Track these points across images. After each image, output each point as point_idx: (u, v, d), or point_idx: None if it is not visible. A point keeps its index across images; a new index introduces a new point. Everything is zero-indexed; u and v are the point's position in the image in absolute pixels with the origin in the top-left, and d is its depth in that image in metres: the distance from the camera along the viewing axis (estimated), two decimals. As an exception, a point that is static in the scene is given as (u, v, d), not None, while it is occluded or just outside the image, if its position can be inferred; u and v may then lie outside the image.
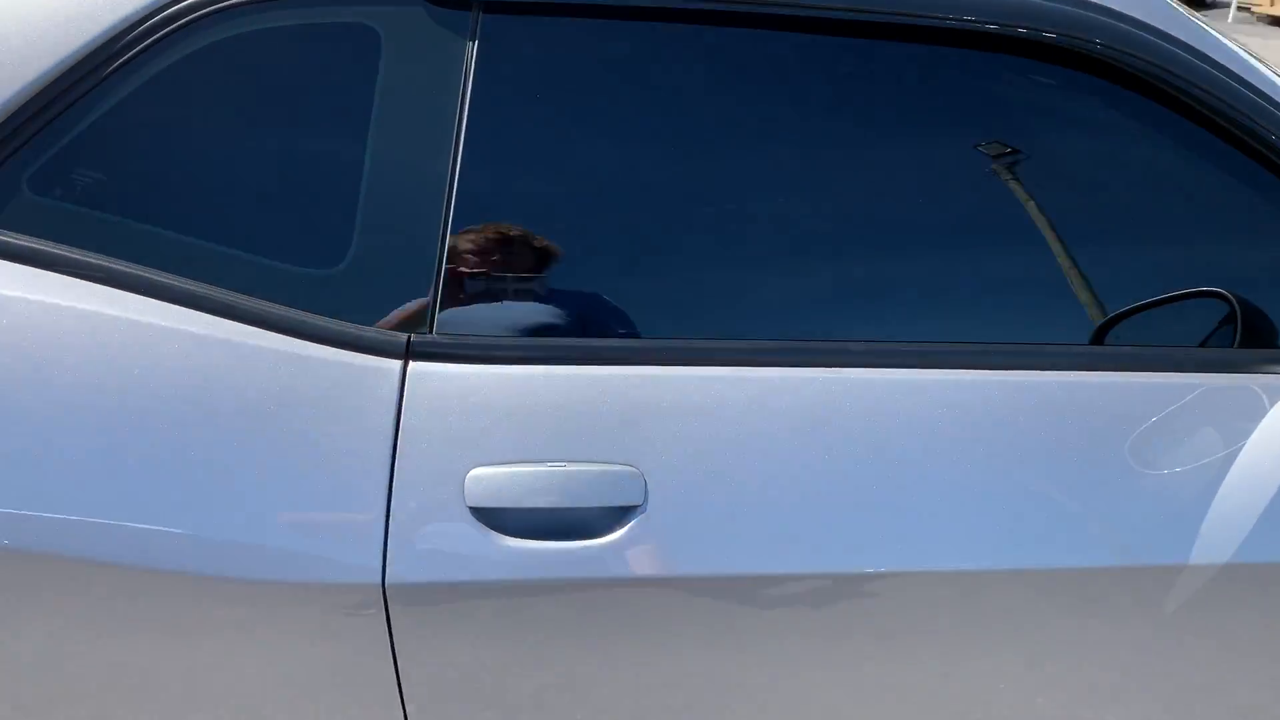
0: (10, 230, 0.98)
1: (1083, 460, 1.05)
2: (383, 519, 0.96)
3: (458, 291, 1.02)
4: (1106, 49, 1.10)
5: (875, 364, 1.05)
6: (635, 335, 1.05)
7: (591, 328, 1.05)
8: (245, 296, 0.99)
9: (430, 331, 1.01)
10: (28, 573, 0.95)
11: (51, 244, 0.98)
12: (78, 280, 0.97)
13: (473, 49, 1.04)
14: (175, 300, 0.98)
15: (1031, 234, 1.12)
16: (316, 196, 1.02)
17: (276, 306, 0.99)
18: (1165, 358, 1.10)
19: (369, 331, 1.00)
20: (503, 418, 0.99)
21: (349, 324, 1.00)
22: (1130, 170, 1.14)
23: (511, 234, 1.04)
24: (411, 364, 0.99)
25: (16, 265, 0.97)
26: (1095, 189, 1.14)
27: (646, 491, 0.99)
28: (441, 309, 1.02)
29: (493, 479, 0.97)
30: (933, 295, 1.10)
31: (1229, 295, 1.12)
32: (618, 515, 1.00)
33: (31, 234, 0.98)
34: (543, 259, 1.06)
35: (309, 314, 1.00)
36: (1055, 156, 1.13)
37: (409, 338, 1.00)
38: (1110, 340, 1.12)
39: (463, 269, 1.02)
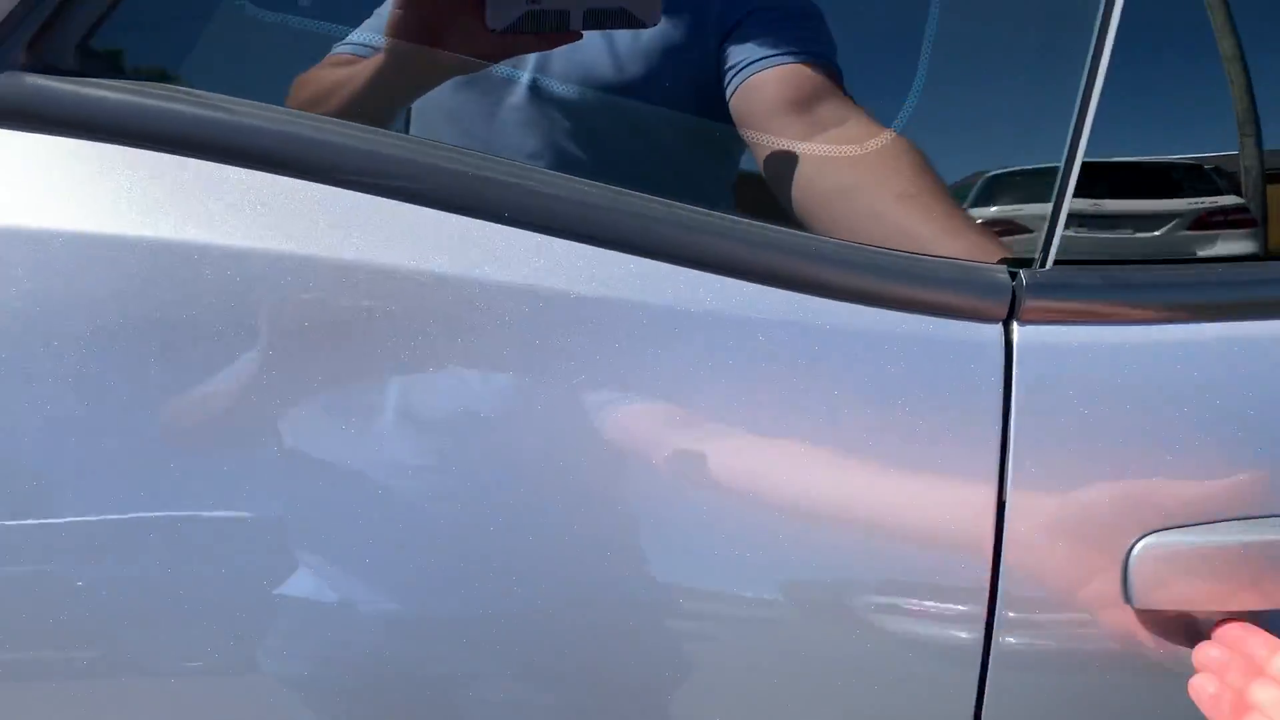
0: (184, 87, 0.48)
1: None
2: (978, 666, 0.49)
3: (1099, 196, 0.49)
4: None
5: None
6: None
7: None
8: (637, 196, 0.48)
9: (1045, 264, 0.49)
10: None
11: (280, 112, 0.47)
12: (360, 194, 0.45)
13: None
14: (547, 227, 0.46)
15: None
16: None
17: (710, 215, 0.48)
18: None
19: (941, 266, 0.48)
20: (1207, 433, 0.48)
21: (889, 251, 0.48)
22: None
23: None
24: (1019, 330, 0.48)
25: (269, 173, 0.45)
26: None
27: None
28: (1067, 228, 0.49)
29: (1185, 561, 0.48)
30: None
31: None
32: None
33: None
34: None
35: (793, 231, 0.48)
36: None
37: (1016, 276, 0.48)
38: None
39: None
